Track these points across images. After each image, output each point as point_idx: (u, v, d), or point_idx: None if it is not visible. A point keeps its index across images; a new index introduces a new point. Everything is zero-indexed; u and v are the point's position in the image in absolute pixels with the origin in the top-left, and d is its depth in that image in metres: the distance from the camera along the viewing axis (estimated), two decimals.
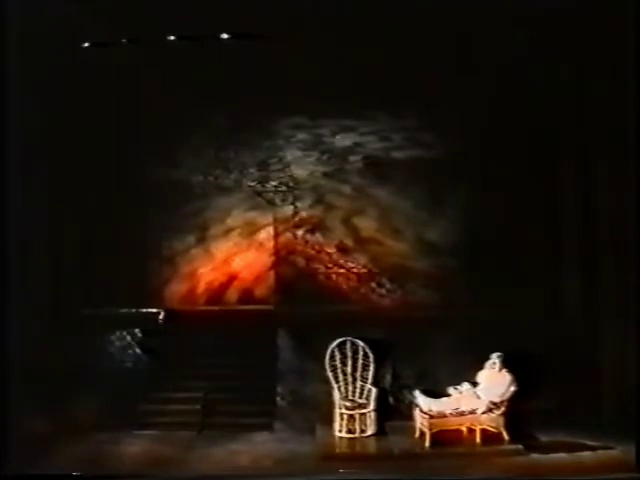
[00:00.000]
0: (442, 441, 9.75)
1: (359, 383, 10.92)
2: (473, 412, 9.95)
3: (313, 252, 13.34)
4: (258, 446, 10.12)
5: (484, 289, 12.03)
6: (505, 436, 9.86)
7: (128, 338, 11.90)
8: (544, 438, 10.01)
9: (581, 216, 11.55)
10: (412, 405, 10.44)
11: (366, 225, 13.38)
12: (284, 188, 13.47)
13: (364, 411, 10.59)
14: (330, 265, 13.29)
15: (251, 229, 13.78)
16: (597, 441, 9.66)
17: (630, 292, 9.75)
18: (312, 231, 13.41)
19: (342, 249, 13.33)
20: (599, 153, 11.20)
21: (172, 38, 11.20)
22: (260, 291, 13.63)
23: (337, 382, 10.88)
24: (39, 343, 10.84)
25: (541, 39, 11.10)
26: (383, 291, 13.12)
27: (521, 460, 9.33)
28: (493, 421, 9.93)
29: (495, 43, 11.17)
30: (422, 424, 9.99)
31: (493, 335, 10.69)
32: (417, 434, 10.09)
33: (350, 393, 10.87)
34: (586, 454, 9.39)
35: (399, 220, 13.24)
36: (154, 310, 12.43)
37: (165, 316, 12.35)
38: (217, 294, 13.69)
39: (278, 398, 11.18)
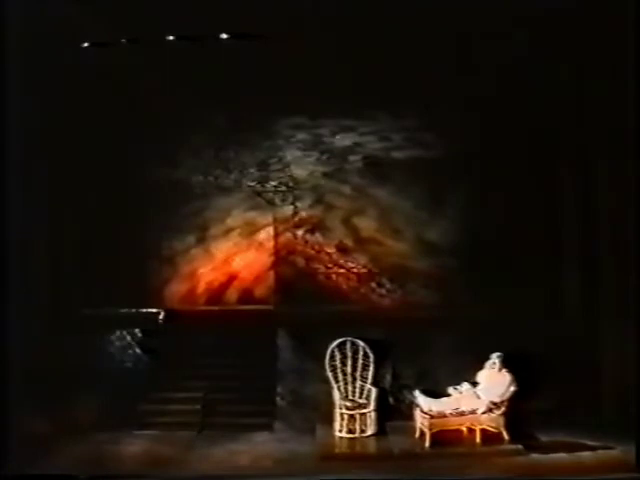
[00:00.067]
0: (442, 441, 9.75)
1: (359, 383, 10.92)
2: (473, 412, 9.95)
3: (313, 252, 13.35)
4: (258, 446, 10.12)
5: (484, 289, 12.04)
6: (505, 436, 9.86)
7: (128, 338, 11.91)
8: (544, 438, 10.01)
9: (581, 216, 11.55)
10: (412, 405, 10.44)
11: (366, 225, 13.38)
12: (284, 188, 13.48)
13: (364, 411, 10.59)
14: (330, 265, 13.30)
15: (251, 229, 13.78)
16: (597, 441, 9.66)
17: (630, 292, 9.75)
18: (312, 231, 13.41)
19: (342, 249, 13.33)
20: (599, 153, 11.20)
21: (172, 38, 11.18)
22: (260, 291, 13.64)
23: (337, 382, 10.88)
24: (39, 343, 10.85)
25: (541, 39, 11.09)
26: (383, 291, 13.12)
27: (521, 460, 9.33)
28: (493, 421, 9.93)
29: (495, 43, 11.16)
30: (422, 424, 9.99)
31: (493, 335, 10.70)
32: (417, 434, 10.09)
33: (350, 393, 10.87)
34: (586, 454, 9.39)
35: (399, 220, 13.25)
36: (154, 310, 12.43)
37: (165, 316, 12.35)
38: (217, 294, 13.70)
39: (278, 398, 11.18)
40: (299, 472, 9.04)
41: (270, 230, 13.58)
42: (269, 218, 13.59)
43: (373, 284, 13.17)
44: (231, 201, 13.71)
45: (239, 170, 13.55)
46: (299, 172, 13.45)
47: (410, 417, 10.37)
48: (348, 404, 10.63)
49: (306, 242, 13.37)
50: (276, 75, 11.69)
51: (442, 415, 9.94)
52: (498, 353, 10.32)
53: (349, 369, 10.96)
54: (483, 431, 9.89)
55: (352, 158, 13.35)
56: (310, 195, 13.46)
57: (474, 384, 10.31)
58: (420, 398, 10.25)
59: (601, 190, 11.14)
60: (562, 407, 10.59)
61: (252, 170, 13.55)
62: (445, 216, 13.00)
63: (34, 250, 11.21)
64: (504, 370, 10.22)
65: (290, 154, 13.42)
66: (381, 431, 10.53)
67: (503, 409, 9.96)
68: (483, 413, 9.92)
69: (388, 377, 11.09)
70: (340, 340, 11.03)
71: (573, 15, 10.59)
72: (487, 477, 8.82)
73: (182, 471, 9.19)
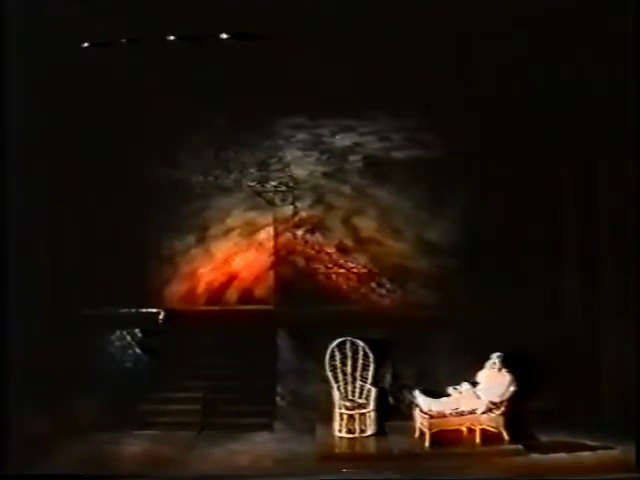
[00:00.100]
0: (442, 441, 9.74)
1: (359, 383, 10.92)
2: (473, 412, 9.95)
3: (313, 252, 13.35)
4: (258, 446, 10.13)
5: (484, 289, 12.04)
6: (505, 436, 9.86)
7: (128, 338, 11.91)
8: (544, 438, 10.01)
9: (581, 216, 11.56)
10: (412, 405, 10.44)
11: (366, 225, 13.38)
12: (284, 188, 13.48)
13: (364, 411, 10.59)
14: (330, 265, 13.30)
15: (251, 229, 13.79)
16: (597, 441, 9.67)
17: (630, 292, 9.73)
18: (312, 231, 13.41)
19: (342, 249, 13.34)
20: (599, 153, 11.20)
21: (172, 38, 11.18)
22: (260, 291, 13.64)
23: (337, 382, 10.87)
24: (39, 343, 10.85)
25: (541, 39, 11.08)
26: (383, 291, 13.12)
27: (521, 460, 9.33)
28: (493, 421, 9.93)
29: (495, 43, 11.16)
30: (422, 424, 9.99)
31: (493, 335, 10.70)
32: (417, 434, 10.09)
33: (350, 393, 10.87)
34: (586, 454, 9.39)
35: (399, 220, 13.25)
36: (154, 310, 12.44)
37: (165, 316, 12.35)
38: (217, 294, 13.70)
39: (278, 398, 11.18)
40: (299, 472, 9.04)
41: (270, 230, 13.58)
42: (269, 218, 13.59)
43: (373, 284, 13.17)
44: (231, 201, 13.72)
45: (239, 170, 13.55)
46: (299, 172, 13.45)
47: (410, 417, 10.37)
48: (348, 404, 10.63)
49: (306, 242, 13.37)
50: (276, 75, 11.69)
51: (442, 415, 9.94)
52: (498, 353, 10.32)
53: (349, 369, 10.96)
54: (483, 431, 9.89)
55: (352, 158, 13.35)
56: (310, 195, 13.47)
57: (474, 384, 10.30)
58: (420, 398, 10.25)
59: (601, 190, 11.14)
60: (562, 407, 10.59)
61: (252, 170, 13.56)
62: (445, 216, 13.00)
63: (34, 250, 11.21)
64: (504, 370, 10.21)
65: (290, 154, 13.42)
66: (381, 431, 10.53)
67: (503, 409, 9.96)
68: (483, 413, 9.92)
69: (388, 377, 11.09)
70: (340, 340, 11.02)
71: (573, 15, 10.59)
72: (487, 477, 8.82)
73: (182, 471, 9.19)
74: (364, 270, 13.21)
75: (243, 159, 13.50)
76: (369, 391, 10.81)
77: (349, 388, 10.90)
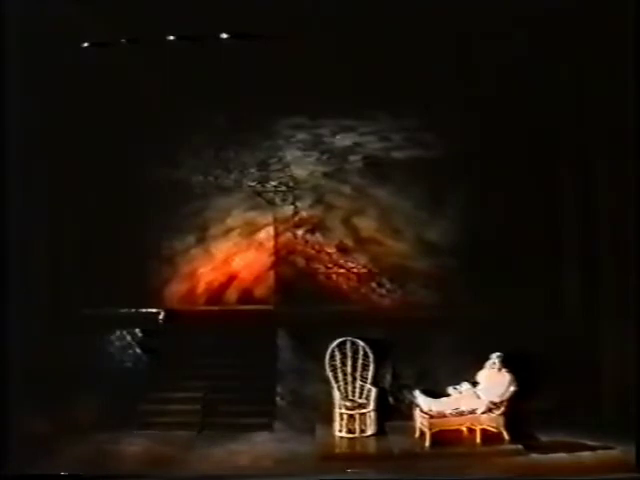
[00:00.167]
0: (442, 441, 9.75)
1: (359, 383, 10.92)
2: (473, 412, 9.95)
3: (313, 252, 13.35)
4: (258, 446, 10.13)
5: (484, 289, 12.04)
6: (505, 436, 9.86)
7: (128, 338, 11.91)
8: (544, 438, 10.01)
9: (581, 216, 11.56)
10: (412, 405, 10.44)
11: (366, 225, 13.38)
12: (284, 188, 13.48)
13: (364, 411, 10.59)
14: (330, 265, 13.30)
15: (251, 229, 13.79)
16: (597, 441, 9.66)
17: (630, 292, 9.73)
18: (312, 231, 13.41)
19: (342, 249, 13.34)
20: (599, 153, 11.20)
21: (172, 38, 11.18)
22: (260, 291, 13.65)
23: (337, 382, 10.88)
24: (39, 343, 10.85)
25: (541, 39, 11.08)
26: (383, 291, 13.12)
27: (521, 460, 9.33)
28: (493, 421, 9.93)
29: (495, 43, 11.16)
30: (422, 424, 9.99)
31: (493, 335, 10.70)
32: (417, 434, 10.09)
33: (350, 393, 10.87)
34: (586, 454, 9.39)
35: (399, 220, 13.25)
36: (154, 310, 12.44)
37: (165, 316, 12.35)
38: (217, 294, 13.70)
39: (278, 398, 11.18)
40: (299, 472, 9.05)
41: (270, 230, 13.59)
42: (269, 218, 13.60)
43: (373, 284, 13.17)
44: (231, 201, 13.72)
45: (239, 170, 13.55)
46: (299, 172, 13.45)
47: (410, 417, 10.37)
48: (348, 404, 10.62)
49: (306, 242, 13.37)
50: (276, 75, 11.69)
51: (442, 415, 9.94)
52: (498, 353, 10.32)
53: (349, 369, 10.96)
54: (483, 431, 9.89)
55: (352, 158, 13.35)
56: (310, 195, 13.47)
57: (474, 384, 10.30)
58: (420, 398, 10.25)
59: (601, 190, 11.14)
60: (562, 407, 10.59)
61: (252, 170, 13.56)
62: (445, 216, 13.00)
63: (34, 250, 11.22)
64: (504, 370, 10.22)
65: (290, 154, 13.42)
66: (381, 431, 10.53)
67: (503, 409, 9.96)
68: (483, 413, 9.92)
69: (388, 377, 11.09)
70: (340, 340, 11.02)
71: (573, 15, 10.58)
72: (487, 477, 8.82)
73: (182, 471, 9.19)
74: (364, 270, 13.21)
75: (243, 159, 13.51)
76: (369, 391, 10.81)
77: (349, 388, 10.90)
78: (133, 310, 12.35)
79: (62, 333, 11.43)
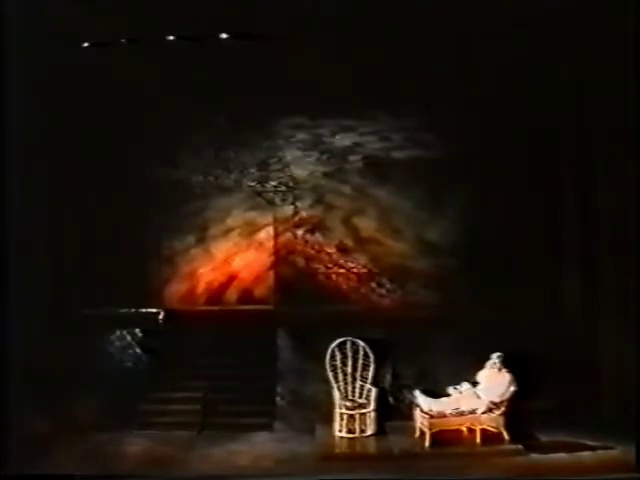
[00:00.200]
0: (442, 441, 9.74)
1: (359, 383, 10.92)
2: (473, 412, 9.95)
3: (313, 252, 13.35)
4: (258, 446, 10.12)
5: (484, 289, 12.05)
6: (505, 436, 9.86)
7: (128, 338, 11.90)
8: (544, 438, 10.01)
9: (581, 216, 11.56)
10: (412, 405, 10.44)
11: (366, 225, 13.39)
12: (284, 188, 13.48)
13: (364, 411, 10.59)
14: (330, 265, 13.30)
15: (251, 229, 13.79)
16: (597, 441, 9.66)
17: (630, 292, 9.74)
18: (312, 231, 13.42)
19: (342, 249, 13.34)
20: (599, 153, 11.20)
21: (172, 38, 11.18)
22: (260, 291, 13.65)
23: (337, 382, 10.87)
24: (39, 343, 10.86)
25: (541, 39, 11.09)
26: (383, 291, 13.12)
27: (521, 460, 9.32)
28: (493, 421, 9.93)
29: (495, 43, 11.16)
30: (422, 424, 9.99)
31: (493, 335, 10.70)
32: (417, 434, 10.09)
33: (350, 393, 10.87)
34: (586, 454, 9.39)
35: (399, 220, 13.25)
36: (154, 310, 12.44)
37: (165, 316, 12.35)
38: (217, 294, 13.70)
39: (278, 398, 11.18)
40: (299, 472, 9.04)
41: (270, 230, 13.59)
42: (269, 218, 13.60)
43: (373, 284, 13.18)
44: (231, 201, 13.72)
45: (239, 170, 13.56)
46: (299, 172, 13.46)
47: (410, 417, 10.37)
48: (348, 404, 10.62)
49: (306, 242, 13.37)
50: (276, 75, 11.69)
51: (442, 415, 9.93)
52: (498, 353, 10.31)
53: (349, 369, 10.96)
54: (483, 431, 9.89)
55: (352, 158, 13.36)
56: (310, 195, 13.47)
57: (474, 384, 10.30)
58: (420, 398, 10.25)
59: (601, 190, 11.14)
60: (562, 407, 10.58)
61: (252, 170, 13.56)
62: (445, 216, 13.01)
63: (34, 250, 11.22)
64: (504, 370, 10.21)
65: (290, 154, 13.43)
66: (381, 431, 10.53)
67: (503, 409, 9.96)
68: (483, 413, 9.92)
69: (388, 377, 11.09)
70: (340, 340, 11.02)
71: (573, 15, 10.59)
72: (487, 477, 8.82)
73: (182, 471, 9.19)
74: (364, 270, 13.22)
75: (243, 159, 13.51)
76: (369, 391, 10.81)
77: (349, 388, 10.90)
78: (133, 310, 12.35)
79: (62, 333, 11.43)
